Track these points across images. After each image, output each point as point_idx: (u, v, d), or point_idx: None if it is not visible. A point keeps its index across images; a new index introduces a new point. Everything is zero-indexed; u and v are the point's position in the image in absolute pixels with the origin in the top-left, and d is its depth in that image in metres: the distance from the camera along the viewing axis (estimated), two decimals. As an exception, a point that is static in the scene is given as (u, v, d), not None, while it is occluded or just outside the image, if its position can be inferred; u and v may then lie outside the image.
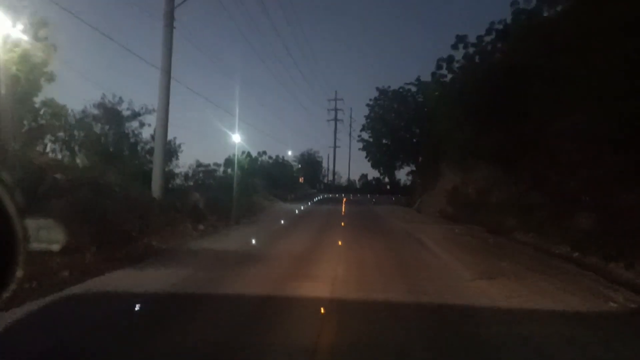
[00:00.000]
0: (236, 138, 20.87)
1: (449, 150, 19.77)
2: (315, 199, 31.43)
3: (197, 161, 19.11)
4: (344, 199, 32.20)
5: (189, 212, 11.90)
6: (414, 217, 17.46)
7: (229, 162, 22.59)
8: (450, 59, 17.91)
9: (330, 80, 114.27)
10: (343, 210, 20.89)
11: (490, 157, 16.28)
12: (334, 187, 52.05)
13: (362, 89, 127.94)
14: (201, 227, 11.21)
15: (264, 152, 33.52)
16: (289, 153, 38.01)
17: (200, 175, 19.58)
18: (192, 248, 8.40)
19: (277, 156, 36.15)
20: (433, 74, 18.70)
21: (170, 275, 5.73)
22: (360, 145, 34.13)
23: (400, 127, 29.25)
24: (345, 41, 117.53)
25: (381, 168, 35.49)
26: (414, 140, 29.08)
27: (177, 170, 15.00)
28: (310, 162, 50.50)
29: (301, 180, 39.42)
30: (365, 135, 33.71)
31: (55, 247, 5.24)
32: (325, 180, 56.07)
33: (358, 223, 14.13)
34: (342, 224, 13.72)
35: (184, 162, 18.51)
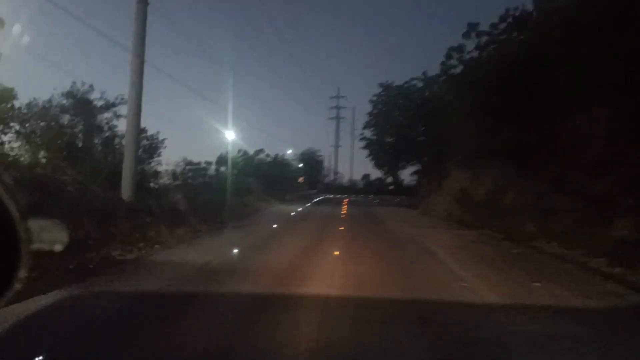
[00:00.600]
0: (230, 134, 19.61)
1: (457, 148, 18.37)
2: (315, 200, 30.05)
3: (185, 158, 17.74)
4: (345, 200, 30.80)
5: (168, 216, 10.58)
6: (419, 220, 16.06)
7: (221, 160, 21.26)
8: (460, 48, 16.48)
9: (333, 77, 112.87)
10: (343, 212, 19.51)
11: (504, 155, 14.88)
12: (336, 188, 50.68)
13: (366, 87, 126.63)
14: (179, 232, 9.87)
15: (262, 150, 32.17)
16: (289, 152, 36.52)
17: (190, 174, 18.23)
18: (157, 259, 7.05)
19: (277, 155, 34.88)
20: (442, 64, 17.31)
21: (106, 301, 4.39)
22: (363, 144, 32.67)
23: (405, 124, 27.76)
24: (348, 37, 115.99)
25: (384, 168, 33.92)
26: (419, 138, 27.60)
27: (159, 169, 13.65)
28: (311, 162, 49.15)
29: (301, 180, 37.99)
30: (367, 134, 32.22)
31: (58, 248, 4.94)
32: (327, 181, 54.75)
33: (359, 228, 12.74)
34: (341, 228, 12.34)
35: (170, 160, 17.25)
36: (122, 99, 11.17)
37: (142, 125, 13.16)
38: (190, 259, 7.16)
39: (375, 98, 30.23)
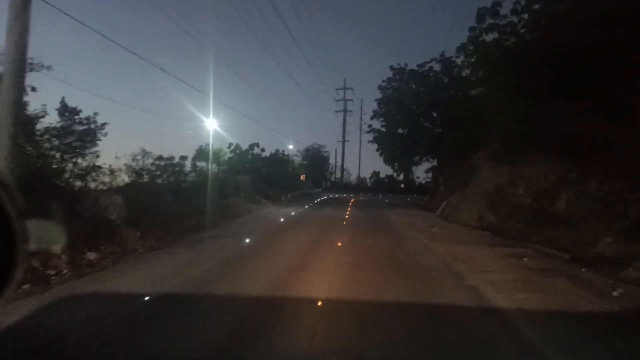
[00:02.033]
0: (211, 123, 16.34)
1: (490, 138, 14.86)
2: (317, 200, 26.63)
3: (144, 150, 14.46)
4: (351, 200, 27.34)
5: (86, 231, 7.34)
6: (444, 229, 12.57)
7: (201, 154, 18.03)
8: (495, 7, 12.83)
9: (339, 67, 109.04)
10: (346, 216, 16.10)
11: (556, 144, 11.36)
12: (342, 186, 47.19)
13: (374, 79, 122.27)
14: (92, 256, 6.62)
15: (256, 144, 28.71)
16: (290, 147, 32.94)
17: (158, 171, 14.98)
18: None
19: (277, 150, 31.48)
20: (471, 30, 13.64)
21: None
22: (371, 136, 28.80)
23: (420, 113, 24.04)
24: (355, 25, 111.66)
25: (395, 164, 29.96)
26: (436, 130, 23.97)
27: (102, 163, 10.41)
28: (315, 158, 45.76)
29: (302, 178, 34.50)
30: (376, 124, 28.33)
31: (56, 248, 4.99)
32: (333, 178, 51.28)
33: (364, 244, 9.22)
34: (339, 244, 8.97)
35: (124, 152, 14.17)
36: (31, 62, 7.96)
37: (75, 104, 9.98)
38: (48, 321, 3.89)
39: (384, 84, 26.38)
